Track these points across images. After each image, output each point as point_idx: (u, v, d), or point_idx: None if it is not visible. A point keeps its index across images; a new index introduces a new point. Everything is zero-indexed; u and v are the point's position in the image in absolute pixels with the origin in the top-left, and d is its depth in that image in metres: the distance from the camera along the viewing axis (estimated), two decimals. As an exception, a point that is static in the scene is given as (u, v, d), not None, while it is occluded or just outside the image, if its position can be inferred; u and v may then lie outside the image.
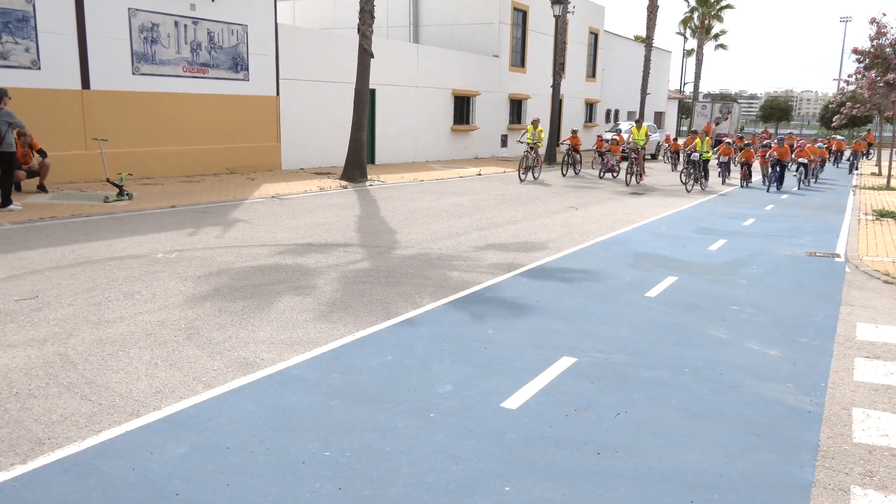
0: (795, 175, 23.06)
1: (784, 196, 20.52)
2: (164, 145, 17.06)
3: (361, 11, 18.13)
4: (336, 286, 8.00)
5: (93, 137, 14.84)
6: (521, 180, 21.31)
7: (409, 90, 25.87)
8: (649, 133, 31.06)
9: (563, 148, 25.65)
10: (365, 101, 18.53)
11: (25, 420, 4.43)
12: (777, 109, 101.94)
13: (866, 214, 16.41)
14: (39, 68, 14.21)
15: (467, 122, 29.82)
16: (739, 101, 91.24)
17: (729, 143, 25.58)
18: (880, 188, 23.43)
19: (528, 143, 21.87)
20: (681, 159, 26.96)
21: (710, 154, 21.36)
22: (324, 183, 17.91)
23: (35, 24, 13.95)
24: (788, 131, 36.86)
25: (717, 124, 47.37)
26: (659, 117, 54.39)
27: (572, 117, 39.00)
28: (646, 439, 4.44)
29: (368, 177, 19.20)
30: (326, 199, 15.38)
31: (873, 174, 29.90)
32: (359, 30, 18.19)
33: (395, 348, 6.00)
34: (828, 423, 4.77)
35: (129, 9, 15.60)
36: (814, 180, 25.47)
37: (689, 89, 64.46)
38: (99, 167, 14.69)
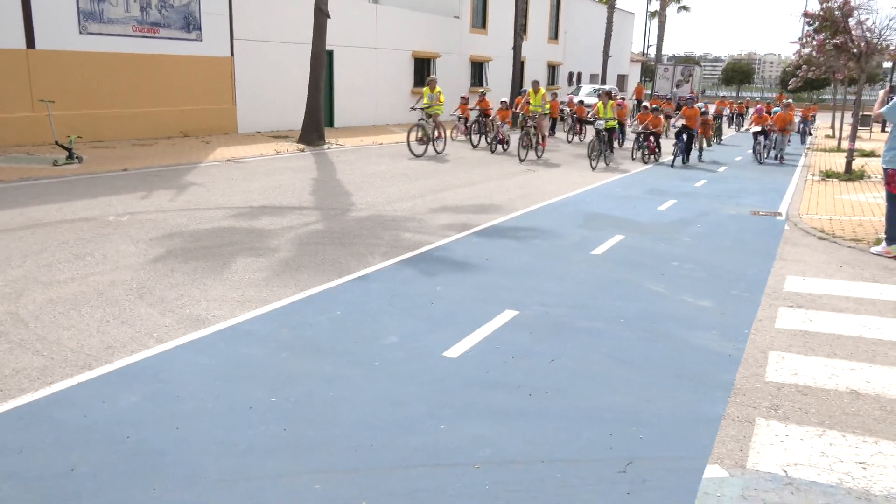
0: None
1: (723, 169, 18.30)
2: (114, 108, 16.81)
3: (317, -29, 17.94)
4: (289, 247, 8.15)
5: (39, 99, 14.58)
6: (415, 154, 17.38)
7: (368, 52, 25.69)
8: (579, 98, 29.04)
9: (473, 115, 22.59)
10: (322, 63, 18.43)
11: (-22, 375, 4.55)
12: (738, 72, 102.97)
13: (813, 175, 16.95)
14: (-19, 28, 13.89)
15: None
16: (703, 64, 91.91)
17: (654, 108, 19.76)
18: (831, 150, 24.13)
19: (424, 110, 17.81)
20: (583, 129, 24.83)
21: (614, 122, 18.13)
22: (280, 146, 17.86)
23: (-24, -18, 13.60)
24: (723, 95, 35.24)
25: (679, 87, 47.86)
26: (622, 80, 54.69)
27: (535, 79, 39.00)
28: (576, 383, 4.74)
29: (326, 140, 19.18)
30: (283, 163, 15.38)
31: (827, 136, 30.67)
32: (314, -10, 18.00)
33: (345, 304, 6.21)
34: (745, 364, 5.12)
35: (74, -34, 15.25)
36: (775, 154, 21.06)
37: (653, 52, 64.70)
38: (47, 130, 14.48)
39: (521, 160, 17.67)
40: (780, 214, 11.73)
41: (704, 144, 21.39)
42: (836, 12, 19.52)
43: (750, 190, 14.40)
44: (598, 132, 17.45)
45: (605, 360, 5.15)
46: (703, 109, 21.41)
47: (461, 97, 23.03)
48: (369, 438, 3.91)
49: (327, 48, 19.95)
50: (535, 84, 19.25)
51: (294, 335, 5.44)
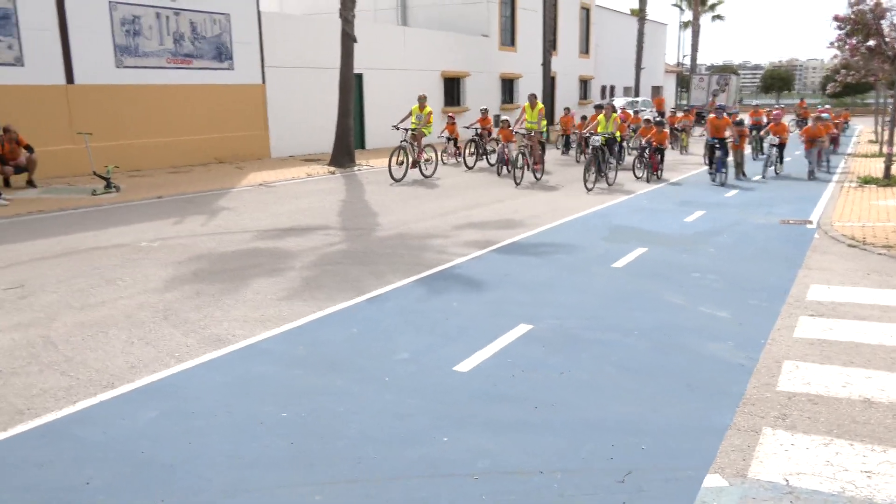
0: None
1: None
2: (150, 137, 17.34)
3: (343, -3, 18.32)
4: (312, 267, 8.32)
5: (78, 132, 15.12)
6: (395, 179, 15.87)
7: (397, 73, 26.04)
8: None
9: (468, 134, 21.22)
10: (350, 87, 18.76)
11: (7, 395, 4.77)
12: (778, 79, 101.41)
13: (851, 182, 16.62)
14: (23, 65, 14.48)
15: (458, 104, 29.97)
16: (742, 72, 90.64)
17: (658, 121, 18.24)
18: (873, 155, 23.41)
19: (411, 130, 16.65)
20: (575, 146, 22.40)
21: (618, 134, 16.75)
22: (312, 169, 18.19)
23: (17, 20, 14.21)
24: (756, 104, 32.13)
25: (715, 96, 47.29)
26: (656, 91, 54.33)
27: (566, 94, 39.08)
28: (583, 394, 4.76)
29: (357, 162, 19.47)
30: (313, 185, 15.67)
31: (870, 141, 29.87)
32: (341, 15, 18.38)
33: (362, 322, 6.32)
34: (757, 374, 5.09)
35: (109, 2, 15.83)
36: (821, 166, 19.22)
37: (688, 62, 64.15)
38: (86, 161, 14.99)
39: (517, 183, 15.83)
40: (810, 223, 11.55)
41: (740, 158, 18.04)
42: (868, 15, 19.24)
43: (782, 199, 14.19)
44: (594, 149, 15.49)
45: (615, 372, 5.16)
46: (735, 119, 18.90)
47: (448, 115, 21.54)
48: (372, 451, 4.00)
49: (357, 71, 20.31)
50: (532, 98, 17.22)
51: (309, 352, 5.57)
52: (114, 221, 11.04)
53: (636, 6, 44.34)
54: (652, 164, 17.03)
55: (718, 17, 62.97)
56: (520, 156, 16.25)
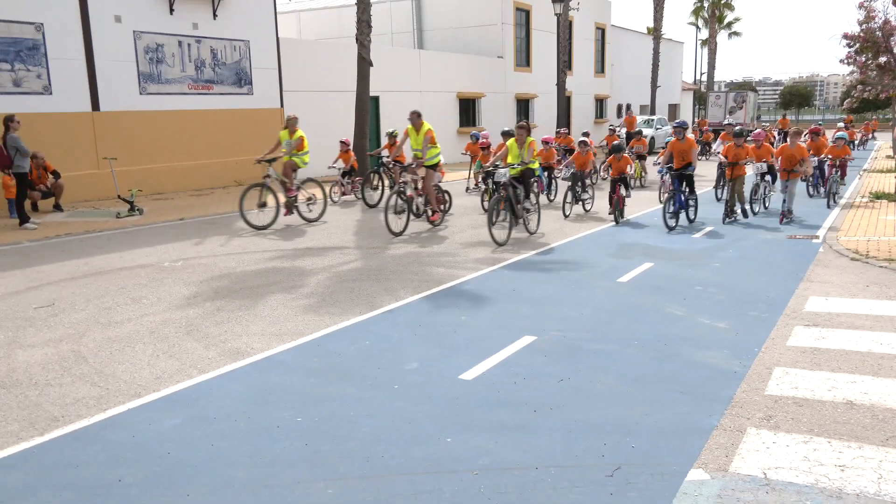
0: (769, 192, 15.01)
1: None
2: (173, 161, 17.89)
3: (359, 21, 18.88)
4: (327, 284, 8.68)
5: (103, 157, 15.69)
6: (254, 226, 12.42)
7: (413, 95, 26.56)
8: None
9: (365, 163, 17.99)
10: (366, 109, 19.25)
11: (43, 403, 5.15)
12: (797, 95, 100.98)
13: (863, 197, 16.74)
14: (51, 93, 15.10)
15: (473, 124, 30.43)
16: (762, 88, 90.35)
17: (616, 145, 14.24)
18: (888, 171, 23.20)
19: (270, 163, 12.83)
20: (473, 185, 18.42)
21: (535, 164, 12.39)
22: (328, 190, 18.60)
23: (45, 51, 14.85)
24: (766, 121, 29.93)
25: (731, 114, 47.31)
26: (673, 109, 54.50)
27: (582, 114, 39.45)
28: (579, 400, 5.05)
29: (373, 183, 19.86)
30: (330, 206, 16.07)
31: (888, 156, 29.67)
32: (357, 39, 18.92)
33: (374, 335, 6.65)
34: (747, 380, 5.34)
35: (134, 31, 16.47)
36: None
37: (706, 80, 64.29)
38: (111, 185, 15.54)
39: (396, 234, 11.81)
40: (816, 237, 11.73)
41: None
42: (877, 32, 19.40)
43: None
44: (497, 186, 11.58)
45: (612, 379, 5.44)
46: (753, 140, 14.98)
47: (340, 142, 17.45)
48: (381, 450, 4.31)
49: (373, 93, 20.80)
50: (415, 116, 12.78)
51: (323, 363, 5.90)
52: (138, 243, 11.49)
53: (652, 25, 44.71)
54: (619, 201, 13.33)
55: (735, 33, 63.03)
56: (395, 196, 12.16)
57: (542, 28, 34.45)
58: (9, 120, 12.46)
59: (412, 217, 12.75)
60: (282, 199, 13.51)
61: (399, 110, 25.75)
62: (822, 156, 16.50)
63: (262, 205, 12.86)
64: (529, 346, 6.23)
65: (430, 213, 12.93)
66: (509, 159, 11.84)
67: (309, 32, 32.96)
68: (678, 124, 13.24)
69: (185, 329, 6.91)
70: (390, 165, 14.78)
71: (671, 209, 12.63)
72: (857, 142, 33.12)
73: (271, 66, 20.06)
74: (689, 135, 13.17)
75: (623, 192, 13.71)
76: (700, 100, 65.65)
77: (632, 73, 46.86)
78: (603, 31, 42.35)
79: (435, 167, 12.77)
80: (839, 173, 16.76)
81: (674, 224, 12.61)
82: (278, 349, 6.27)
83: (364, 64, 18.97)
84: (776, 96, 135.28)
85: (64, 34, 15.20)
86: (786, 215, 13.17)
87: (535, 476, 3.96)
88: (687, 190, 12.99)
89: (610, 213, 13.68)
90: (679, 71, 56.86)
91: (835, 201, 15.76)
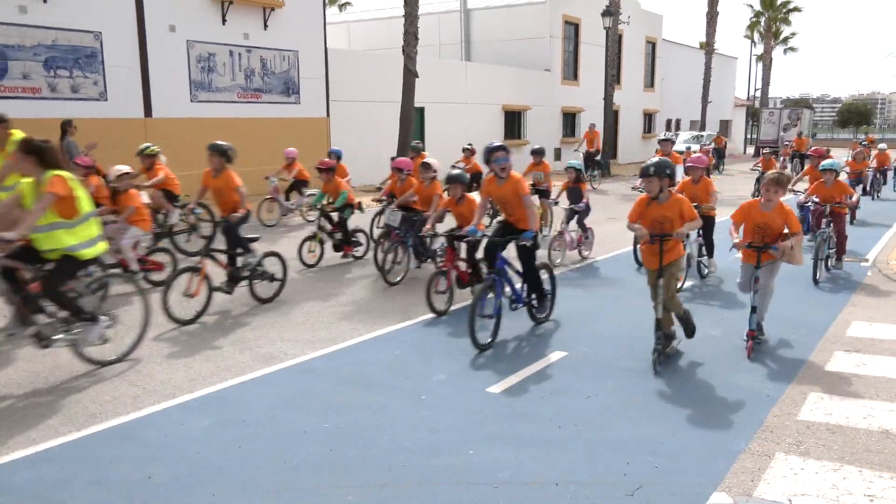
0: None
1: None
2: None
3: (406, 33, 19.10)
4: (365, 293, 8.77)
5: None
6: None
7: (458, 107, 26.69)
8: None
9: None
10: (410, 119, 19.43)
11: (83, 400, 5.33)
12: (855, 113, 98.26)
13: (920, 223, 16.21)
14: (107, 99, 15.59)
15: (518, 137, 30.41)
16: (819, 105, 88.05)
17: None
18: None
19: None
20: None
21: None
22: (372, 199, 18.80)
23: (102, 59, 15.35)
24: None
25: (786, 131, 46.24)
26: (725, 125, 53.62)
27: (630, 128, 39.10)
28: (606, 417, 5.01)
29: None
30: (371, 215, 16.22)
31: None
32: (403, 51, 19.13)
33: (405, 345, 6.71)
34: (780, 404, 5.23)
35: (187, 41, 16.92)
36: None
37: (760, 95, 63.08)
38: (163, 190, 15.93)
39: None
40: (866, 260, 11.42)
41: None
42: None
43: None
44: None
45: (641, 398, 5.39)
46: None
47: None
48: (403, 459, 4.35)
49: (419, 104, 20.95)
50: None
51: (352, 371, 5.97)
52: (184, 247, 11.76)
53: (704, 39, 44.14)
54: (473, 273, 8.21)
55: (792, 49, 61.70)
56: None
57: (590, 41, 34.30)
58: (67, 125, 12.89)
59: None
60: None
61: (444, 122, 25.93)
62: (806, 199, 10.34)
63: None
64: (560, 362, 6.21)
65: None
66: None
67: (358, 43, 33.40)
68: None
69: (223, 333, 7.06)
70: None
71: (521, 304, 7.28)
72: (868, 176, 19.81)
73: (319, 76, 20.38)
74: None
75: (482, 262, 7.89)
76: (753, 116, 64.43)
77: (682, 89, 46.30)
78: (653, 45, 41.97)
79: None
80: (832, 225, 9.94)
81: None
82: (310, 356, 6.37)
83: (410, 75, 19.17)
84: (834, 114, 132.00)
85: (120, 42, 15.71)
86: (754, 337, 6.59)
87: (554, 491, 3.96)
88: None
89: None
90: (732, 86, 55.96)
91: (827, 269, 10.12)
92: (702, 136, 36.04)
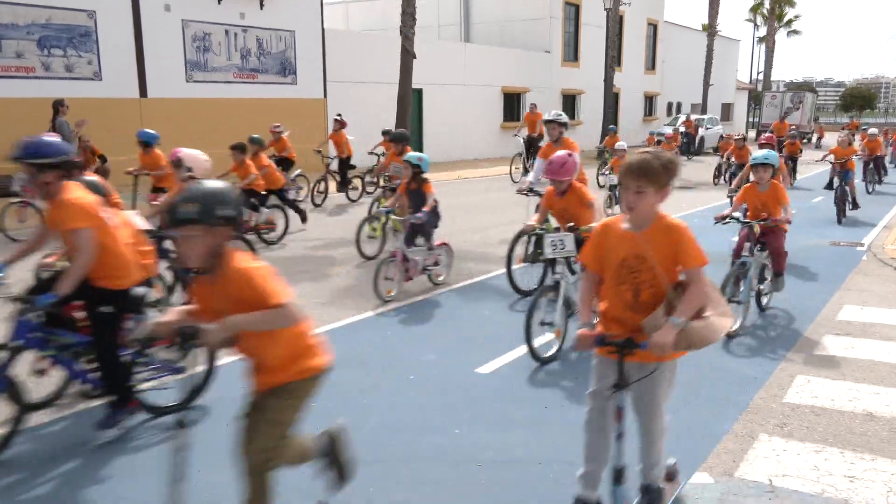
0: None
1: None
2: (217, 148, 18.18)
3: (403, 14, 18.98)
4: (356, 274, 8.79)
5: (148, 141, 16.06)
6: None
7: (457, 88, 26.58)
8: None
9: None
10: (408, 101, 19.35)
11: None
12: (858, 97, 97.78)
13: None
14: (101, 79, 15.55)
15: (517, 119, 30.31)
16: (823, 89, 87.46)
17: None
18: None
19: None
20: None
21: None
22: (368, 182, 18.76)
23: (97, 38, 15.29)
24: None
25: (788, 114, 46.00)
26: (727, 109, 53.34)
27: (630, 111, 38.93)
28: (593, 398, 5.03)
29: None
30: (367, 198, 16.21)
31: None
32: (401, 31, 19.02)
33: (396, 326, 6.74)
34: (767, 387, 5.26)
35: (182, 20, 16.84)
36: None
37: (762, 79, 62.73)
38: (158, 170, 15.91)
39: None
40: (861, 245, 11.43)
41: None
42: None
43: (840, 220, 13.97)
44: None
45: (628, 379, 5.40)
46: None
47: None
48: (389, 438, 4.39)
49: (417, 86, 20.84)
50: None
51: (343, 351, 5.97)
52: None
53: (707, 21, 43.86)
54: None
55: (795, 31, 61.36)
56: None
57: (591, 23, 34.08)
58: (59, 104, 12.85)
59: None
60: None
61: (442, 103, 25.83)
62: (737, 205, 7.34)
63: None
64: (551, 343, 6.22)
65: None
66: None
67: (356, 23, 33.18)
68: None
69: (215, 312, 7.08)
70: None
71: None
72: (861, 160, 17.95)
73: (316, 56, 20.30)
74: None
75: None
76: (755, 99, 64.17)
77: (684, 71, 46.03)
78: (655, 27, 41.71)
79: None
80: (762, 249, 7.14)
81: None
82: (302, 335, 6.38)
83: (407, 56, 19.07)
84: (838, 98, 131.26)
85: (115, 22, 15.63)
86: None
87: (537, 470, 3.99)
88: None
89: None
90: (734, 69, 55.65)
91: (760, 309, 7.30)
92: (703, 119, 35.69)
